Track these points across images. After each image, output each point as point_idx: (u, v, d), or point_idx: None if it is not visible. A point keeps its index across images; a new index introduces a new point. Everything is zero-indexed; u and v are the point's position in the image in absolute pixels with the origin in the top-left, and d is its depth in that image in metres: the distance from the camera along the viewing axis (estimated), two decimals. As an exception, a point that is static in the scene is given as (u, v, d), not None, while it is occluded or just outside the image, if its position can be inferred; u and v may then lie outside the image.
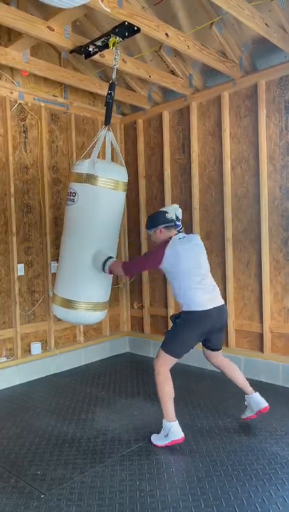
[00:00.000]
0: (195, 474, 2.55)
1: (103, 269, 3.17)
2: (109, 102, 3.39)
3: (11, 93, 4.28)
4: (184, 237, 3.06)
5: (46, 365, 4.51)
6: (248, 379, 3.25)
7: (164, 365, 2.96)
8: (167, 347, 2.96)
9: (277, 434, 3.02)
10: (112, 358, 5.09)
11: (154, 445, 2.91)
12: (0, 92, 4.20)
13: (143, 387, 4.06)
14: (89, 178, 3.22)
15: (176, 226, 3.09)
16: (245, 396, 3.17)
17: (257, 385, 3.08)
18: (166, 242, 2.99)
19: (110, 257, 3.20)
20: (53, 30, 3.37)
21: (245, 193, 4.24)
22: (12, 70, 4.24)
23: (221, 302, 3.05)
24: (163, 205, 4.90)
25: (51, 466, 2.70)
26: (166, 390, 2.91)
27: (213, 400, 3.69)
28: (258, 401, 3.09)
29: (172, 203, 4.86)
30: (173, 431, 2.88)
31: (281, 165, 3.98)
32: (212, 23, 3.73)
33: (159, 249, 2.99)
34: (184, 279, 2.94)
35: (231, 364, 3.24)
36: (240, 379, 3.19)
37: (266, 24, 3.46)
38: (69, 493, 2.40)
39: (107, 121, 3.40)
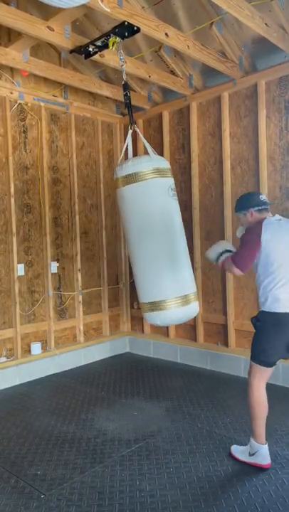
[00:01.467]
0: (195, 474, 2.55)
1: (216, 261, 2.79)
2: (127, 102, 3.36)
3: (11, 93, 4.28)
4: (281, 219, 2.66)
5: (46, 365, 4.51)
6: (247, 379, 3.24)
7: (258, 377, 2.60)
8: (253, 356, 2.62)
9: (277, 434, 3.02)
10: (112, 358, 5.09)
11: (234, 457, 2.71)
12: (0, 92, 4.20)
13: (143, 387, 4.06)
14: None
15: (267, 210, 2.73)
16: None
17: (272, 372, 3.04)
18: (260, 221, 2.61)
19: (228, 251, 2.76)
20: (53, 30, 3.37)
21: (245, 193, 4.24)
22: (12, 70, 4.24)
23: None
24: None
25: (51, 466, 2.70)
26: (257, 409, 2.59)
27: (213, 400, 3.69)
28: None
29: (172, 203, 4.85)
30: (262, 454, 2.61)
31: (281, 165, 3.98)
32: (212, 23, 3.73)
33: (253, 228, 2.61)
34: (275, 271, 2.53)
35: None
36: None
37: (266, 24, 3.46)
38: (69, 493, 2.40)
39: (132, 121, 3.31)
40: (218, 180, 4.45)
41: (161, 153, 4.92)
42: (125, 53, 4.16)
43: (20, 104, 4.38)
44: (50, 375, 4.50)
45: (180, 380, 4.23)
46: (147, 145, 3.17)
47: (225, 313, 4.42)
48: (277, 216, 2.68)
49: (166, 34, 3.46)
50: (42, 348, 4.52)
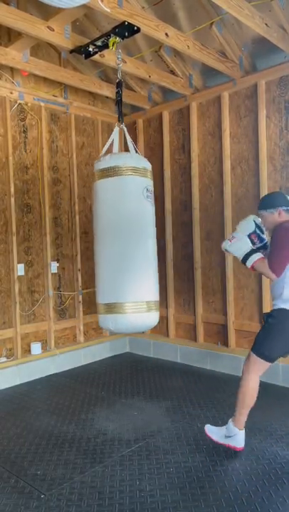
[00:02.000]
0: (195, 474, 2.55)
1: (244, 262, 2.68)
2: (118, 100, 3.36)
3: (11, 93, 4.28)
4: None
5: (46, 365, 4.51)
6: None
7: (255, 371, 2.66)
8: (258, 350, 2.64)
9: (277, 434, 3.02)
10: (112, 358, 5.09)
11: (208, 436, 2.84)
12: (0, 92, 4.20)
13: (143, 387, 4.06)
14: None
15: None
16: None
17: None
18: (287, 220, 2.61)
19: (255, 250, 2.68)
20: (53, 30, 3.37)
21: (245, 193, 4.24)
22: (12, 70, 4.24)
23: None
24: (163, 205, 4.90)
25: (51, 466, 2.70)
26: (247, 400, 2.68)
27: (213, 400, 3.69)
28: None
29: (172, 203, 4.86)
30: (237, 438, 2.75)
31: (281, 165, 3.98)
32: (212, 23, 3.73)
33: (283, 228, 2.58)
34: None
35: None
36: None
37: (266, 24, 3.46)
38: (69, 493, 2.40)
39: (120, 118, 3.32)
40: (218, 180, 4.45)
41: (161, 153, 4.93)
42: (125, 53, 4.17)
43: (20, 104, 4.38)
44: (50, 375, 4.50)
45: (180, 380, 4.22)
46: (131, 143, 3.16)
47: (225, 313, 4.42)
48: None
49: (166, 34, 3.46)
50: (42, 348, 4.52)
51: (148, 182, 3.06)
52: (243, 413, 2.73)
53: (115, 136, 3.14)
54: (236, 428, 2.75)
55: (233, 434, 2.76)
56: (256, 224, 2.72)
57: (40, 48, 4.45)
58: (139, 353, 5.23)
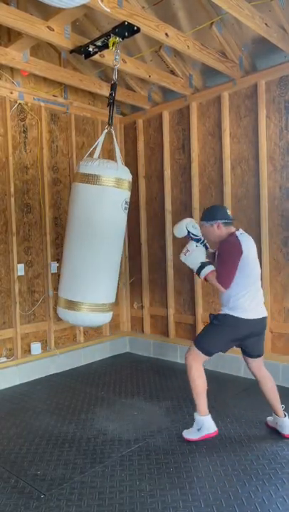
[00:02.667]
0: (195, 474, 2.55)
1: (198, 273, 2.93)
2: (110, 103, 3.38)
3: (11, 93, 4.28)
4: (242, 233, 2.92)
5: (46, 365, 4.51)
6: (248, 379, 3.25)
7: (195, 360, 2.92)
8: (200, 345, 2.92)
9: (277, 434, 3.01)
10: (112, 358, 5.09)
11: (187, 440, 2.92)
12: (0, 92, 4.20)
13: (143, 387, 4.06)
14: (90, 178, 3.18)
15: (232, 224, 2.96)
16: (274, 416, 3.04)
17: (257, 385, 3.08)
18: (232, 235, 2.87)
19: (207, 263, 2.91)
20: (53, 30, 3.37)
21: (245, 193, 4.24)
22: (12, 70, 4.24)
23: (264, 314, 2.95)
24: (163, 205, 4.91)
25: (51, 466, 2.70)
26: (198, 382, 2.89)
27: (213, 400, 3.68)
28: (284, 426, 2.97)
29: (172, 203, 4.86)
30: (206, 425, 2.91)
31: (281, 165, 3.98)
32: (212, 23, 3.73)
33: (230, 242, 2.83)
34: (242, 280, 2.81)
35: (268, 379, 3.03)
36: (272, 398, 2.99)
37: (266, 24, 3.46)
38: (69, 493, 2.40)
39: (110, 121, 3.39)
40: (218, 180, 4.45)
41: (161, 153, 4.93)
42: (125, 53, 4.17)
43: (20, 104, 4.38)
44: (50, 375, 4.50)
45: (180, 380, 4.22)
46: (118, 152, 3.37)
47: (225, 313, 4.42)
48: (241, 230, 2.94)
49: (166, 34, 3.46)
50: (42, 348, 4.52)
51: (127, 194, 3.32)
52: (200, 400, 2.91)
53: (101, 139, 3.34)
54: (201, 417, 2.92)
55: (201, 425, 2.92)
56: (187, 228, 2.99)
57: (40, 48, 4.45)
58: (139, 353, 5.23)
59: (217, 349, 2.96)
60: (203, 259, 2.94)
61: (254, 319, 2.87)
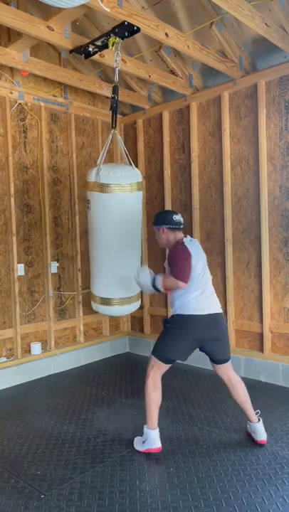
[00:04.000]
0: (195, 474, 2.55)
1: (155, 289, 2.89)
2: (113, 106, 3.39)
3: (11, 93, 4.28)
4: (192, 240, 2.98)
5: (46, 365, 4.51)
6: (248, 379, 3.24)
7: (153, 370, 2.86)
8: (156, 352, 2.86)
9: (277, 434, 3.02)
10: (112, 358, 5.09)
11: (134, 449, 2.86)
12: (0, 92, 4.20)
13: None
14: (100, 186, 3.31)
15: (180, 230, 3.00)
16: (248, 422, 2.96)
17: (257, 385, 3.08)
18: (180, 242, 2.90)
19: (155, 274, 2.92)
20: (53, 30, 3.37)
21: (245, 193, 4.24)
22: (12, 70, 4.24)
23: (217, 310, 2.89)
24: (163, 205, 4.91)
25: (51, 466, 2.70)
26: (153, 396, 2.83)
27: (213, 400, 3.69)
28: (258, 431, 2.89)
29: (172, 203, 4.86)
30: (150, 439, 2.80)
31: (281, 165, 3.98)
32: (212, 23, 3.73)
33: (178, 249, 2.85)
34: (199, 283, 2.84)
35: (238, 385, 2.91)
36: (244, 404, 2.90)
37: (266, 24, 3.46)
38: (69, 493, 2.40)
39: (113, 125, 3.40)
40: (218, 180, 4.45)
41: (161, 153, 4.93)
42: (125, 53, 4.17)
43: (20, 104, 4.38)
44: (50, 375, 4.50)
45: (180, 380, 4.22)
46: (125, 153, 3.50)
47: (225, 314, 4.41)
48: (189, 237, 2.97)
49: (166, 34, 3.46)
50: (42, 348, 4.52)
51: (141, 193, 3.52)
52: (153, 411, 2.82)
53: (107, 144, 3.44)
54: (148, 429, 2.82)
55: (146, 437, 2.82)
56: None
57: (40, 48, 4.45)
58: (139, 353, 5.23)
59: (176, 355, 2.84)
60: (151, 276, 2.94)
61: (205, 315, 2.80)
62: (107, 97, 4.96)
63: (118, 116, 5.31)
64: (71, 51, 3.62)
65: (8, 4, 3.37)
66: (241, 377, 3.00)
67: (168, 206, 4.86)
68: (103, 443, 2.98)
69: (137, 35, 3.49)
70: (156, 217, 3.07)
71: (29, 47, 3.80)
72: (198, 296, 2.82)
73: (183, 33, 3.69)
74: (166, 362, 2.85)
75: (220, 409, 3.48)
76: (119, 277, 3.31)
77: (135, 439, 2.94)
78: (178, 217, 2.99)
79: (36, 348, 4.45)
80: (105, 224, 3.31)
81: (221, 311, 2.93)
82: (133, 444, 2.90)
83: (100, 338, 5.14)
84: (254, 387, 3.21)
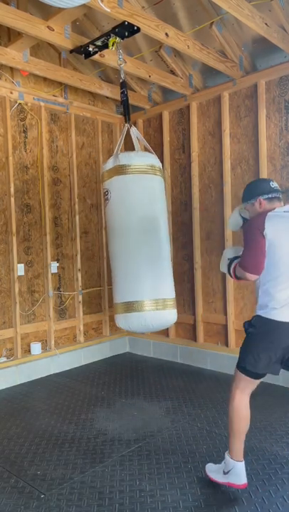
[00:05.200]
0: (195, 474, 2.55)
1: (229, 273, 2.41)
2: (124, 100, 3.35)
3: (11, 93, 4.28)
4: (284, 212, 2.27)
5: (46, 365, 4.51)
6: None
7: (239, 387, 2.31)
8: (240, 364, 2.31)
9: (277, 434, 3.02)
10: (112, 358, 5.09)
11: (210, 478, 2.44)
12: (0, 92, 4.20)
13: (143, 387, 4.06)
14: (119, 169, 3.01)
15: (279, 199, 2.38)
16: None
17: (257, 385, 3.07)
18: (263, 213, 2.26)
19: (235, 258, 2.40)
20: (53, 30, 3.37)
21: (245, 193, 4.24)
22: (12, 69, 4.23)
23: None
24: (163, 205, 4.90)
25: (51, 466, 2.70)
26: (236, 423, 2.30)
27: (213, 400, 3.69)
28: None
29: (172, 203, 4.86)
30: (235, 472, 2.32)
31: (281, 165, 3.98)
32: (212, 23, 3.73)
33: (253, 222, 2.26)
34: (273, 271, 2.20)
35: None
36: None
37: (266, 24, 3.46)
38: (69, 493, 2.40)
39: (127, 119, 3.29)
40: (218, 180, 4.45)
41: (161, 153, 4.93)
42: (125, 53, 4.16)
43: (20, 104, 4.38)
44: (50, 375, 4.50)
45: (180, 380, 4.22)
46: (146, 144, 3.31)
47: (225, 313, 4.42)
48: (288, 207, 2.30)
49: (166, 34, 3.46)
50: (42, 348, 4.52)
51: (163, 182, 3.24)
52: (237, 440, 2.32)
53: (133, 134, 3.20)
54: (232, 460, 2.33)
55: (230, 468, 2.33)
56: (242, 217, 2.49)
57: (40, 48, 4.45)
58: (139, 353, 5.23)
59: (265, 366, 2.24)
60: (232, 254, 2.43)
61: None
62: (107, 97, 4.97)
63: (118, 116, 5.33)
64: (71, 51, 3.62)
65: (8, 4, 3.37)
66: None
67: (168, 206, 4.85)
68: (103, 443, 2.98)
69: (137, 35, 3.49)
70: (248, 189, 2.45)
71: (29, 47, 3.81)
72: (282, 293, 2.20)
73: (183, 33, 3.69)
74: (252, 376, 2.29)
75: (220, 409, 3.48)
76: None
77: (209, 466, 2.49)
78: (275, 184, 2.42)
79: (36, 348, 4.45)
80: (130, 210, 2.90)
81: None
82: (206, 472, 2.48)
83: (100, 338, 5.14)
84: (257, 388, 3.20)
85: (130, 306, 2.86)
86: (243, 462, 2.34)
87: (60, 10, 3.15)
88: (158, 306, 2.85)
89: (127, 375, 4.45)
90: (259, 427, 3.12)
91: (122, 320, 2.94)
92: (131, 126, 3.27)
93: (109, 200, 3.05)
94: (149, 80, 4.28)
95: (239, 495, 2.33)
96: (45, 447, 2.95)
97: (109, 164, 3.08)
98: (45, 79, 4.48)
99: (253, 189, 2.42)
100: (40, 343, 4.50)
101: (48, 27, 3.33)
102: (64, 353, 4.67)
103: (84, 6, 2.81)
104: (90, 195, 5.06)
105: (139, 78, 4.55)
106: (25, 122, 4.46)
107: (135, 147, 3.18)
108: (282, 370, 2.33)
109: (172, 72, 4.45)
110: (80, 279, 4.89)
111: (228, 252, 2.47)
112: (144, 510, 2.22)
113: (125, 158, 3.00)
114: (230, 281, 4.35)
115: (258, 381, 2.32)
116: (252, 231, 2.22)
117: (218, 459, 2.70)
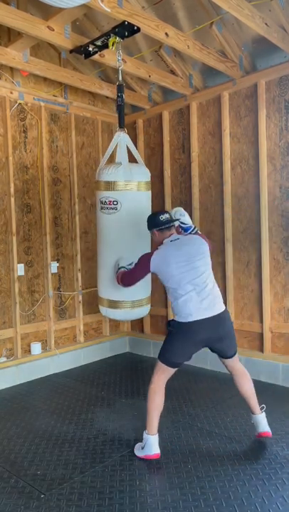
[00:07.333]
0: (195, 474, 2.55)
1: (115, 277, 3.18)
2: (120, 105, 3.37)
3: (11, 93, 4.28)
4: (178, 238, 2.87)
5: (46, 365, 4.50)
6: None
7: (158, 374, 2.83)
8: (161, 355, 2.86)
9: (277, 434, 3.01)
10: (112, 358, 5.09)
11: (136, 456, 2.78)
12: (0, 92, 4.20)
13: (143, 387, 4.05)
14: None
15: (169, 228, 2.92)
16: (251, 415, 2.98)
17: (257, 385, 3.07)
18: (159, 245, 2.92)
19: (121, 267, 3.14)
20: (53, 30, 3.37)
21: (245, 193, 4.24)
22: (12, 70, 4.23)
23: (218, 311, 2.75)
24: (163, 205, 4.90)
25: (51, 466, 2.70)
26: (156, 401, 2.77)
27: (213, 400, 3.68)
28: (259, 423, 2.93)
29: (172, 203, 4.86)
30: (148, 445, 2.74)
31: (281, 165, 3.98)
32: (212, 23, 3.73)
33: (148, 254, 2.92)
34: (174, 286, 2.75)
35: (245, 376, 2.97)
36: (248, 394, 2.93)
37: (266, 24, 3.46)
38: (69, 493, 2.40)
39: (121, 124, 3.39)
40: (218, 180, 4.45)
41: (161, 153, 4.93)
42: (125, 53, 4.16)
43: (20, 104, 4.38)
44: (50, 375, 4.50)
45: (180, 380, 4.22)
46: (137, 154, 3.60)
47: (225, 313, 4.42)
48: (175, 236, 2.88)
49: (166, 34, 3.46)
50: (42, 348, 4.52)
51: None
52: (154, 416, 2.76)
53: (120, 145, 3.44)
54: (148, 435, 2.75)
55: (146, 442, 2.75)
56: (174, 216, 3.08)
57: (40, 48, 4.45)
58: (139, 353, 5.23)
59: (181, 358, 2.82)
60: (123, 264, 3.17)
61: (199, 320, 2.69)
62: (107, 97, 4.97)
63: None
64: (71, 51, 3.62)
65: (8, 4, 3.37)
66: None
67: (168, 206, 4.86)
68: (103, 443, 2.98)
69: (137, 35, 3.49)
70: (147, 221, 3.03)
71: (29, 47, 3.80)
72: (191, 300, 2.71)
73: (183, 33, 3.69)
74: (170, 366, 2.82)
75: (220, 409, 3.48)
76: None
77: (136, 444, 2.87)
78: (164, 216, 2.92)
79: (36, 348, 4.45)
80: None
81: (222, 308, 2.80)
82: (134, 449, 2.84)
83: (100, 338, 5.14)
84: (254, 387, 3.20)
85: (113, 304, 3.44)
86: (157, 435, 2.77)
87: (60, 10, 3.15)
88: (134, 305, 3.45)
89: (127, 375, 4.45)
90: (259, 427, 3.12)
91: (106, 312, 3.55)
92: (125, 132, 3.40)
93: (117, 211, 3.35)
94: (149, 79, 4.28)
95: (239, 495, 2.33)
96: (45, 447, 2.95)
97: (119, 176, 3.32)
98: (45, 79, 4.48)
99: (148, 223, 3.00)
100: (40, 343, 4.50)
101: (48, 27, 3.33)
102: (64, 353, 4.67)
103: (84, 6, 2.81)
104: (90, 195, 5.05)
105: (139, 78, 4.55)
106: (25, 122, 4.46)
107: (118, 156, 3.42)
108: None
109: (172, 72, 4.45)
110: (80, 279, 4.89)
111: (121, 261, 3.20)
112: (144, 510, 2.22)
113: (137, 174, 3.40)
114: (230, 281, 4.36)
115: (174, 370, 2.87)
116: (143, 259, 2.89)
117: (219, 459, 2.71)
